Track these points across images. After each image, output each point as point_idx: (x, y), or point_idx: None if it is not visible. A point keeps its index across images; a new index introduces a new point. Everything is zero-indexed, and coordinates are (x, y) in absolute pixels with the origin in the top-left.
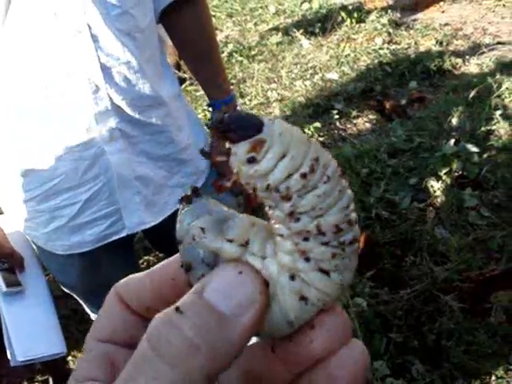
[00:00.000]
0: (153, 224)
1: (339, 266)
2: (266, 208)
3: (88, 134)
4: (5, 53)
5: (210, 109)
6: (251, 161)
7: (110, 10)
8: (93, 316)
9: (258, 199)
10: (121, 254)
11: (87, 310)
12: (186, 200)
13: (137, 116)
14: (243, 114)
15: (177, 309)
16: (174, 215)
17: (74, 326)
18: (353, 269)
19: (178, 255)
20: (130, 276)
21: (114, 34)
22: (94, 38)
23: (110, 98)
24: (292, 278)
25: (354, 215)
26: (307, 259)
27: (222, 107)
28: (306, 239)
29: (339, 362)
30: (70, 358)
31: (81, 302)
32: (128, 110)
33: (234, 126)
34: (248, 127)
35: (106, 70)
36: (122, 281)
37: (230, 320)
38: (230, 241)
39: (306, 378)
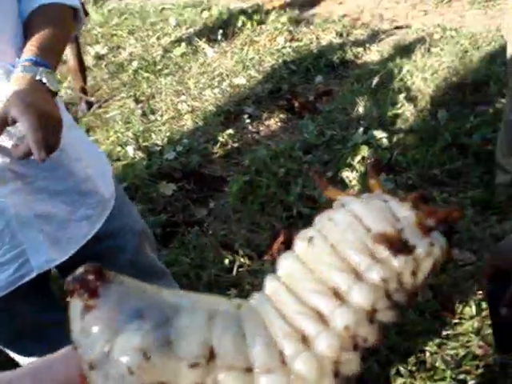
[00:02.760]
0: (62, 260)
1: None
2: None
3: None
4: None
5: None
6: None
7: None
8: (20, 360)
9: None
10: (37, 296)
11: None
12: (88, 294)
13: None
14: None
15: None
16: (84, 249)
17: None
18: None
19: (65, 353)
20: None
21: None
22: None
23: None
24: (336, 376)
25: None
26: (336, 375)
27: None
28: (355, 349)
29: None
30: None
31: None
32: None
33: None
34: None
35: None
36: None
37: None
38: (192, 365)
39: None
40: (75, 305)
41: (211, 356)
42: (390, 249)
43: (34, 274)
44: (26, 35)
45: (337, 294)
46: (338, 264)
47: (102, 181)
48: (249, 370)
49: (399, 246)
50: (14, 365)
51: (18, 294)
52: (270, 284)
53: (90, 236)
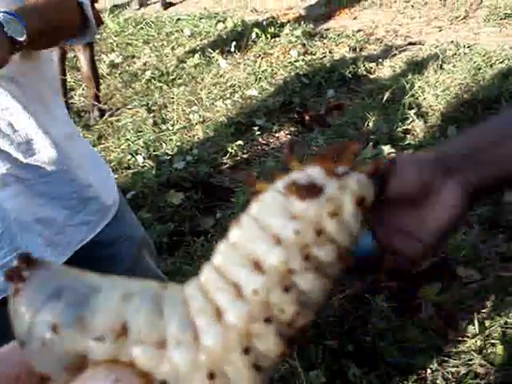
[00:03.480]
0: (59, 264)
1: (274, 365)
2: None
3: None
4: None
5: None
6: (360, 203)
7: None
8: None
9: None
10: None
11: None
12: (16, 278)
13: (27, 160)
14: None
15: None
16: (82, 253)
17: None
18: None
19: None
20: None
21: None
22: None
23: None
24: (211, 376)
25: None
26: (247, 351)
27: None
28: (267, 321)
29: None
30: None
31: None
32: (17, 155)
33: None
34: None
35: None
36: None
37: None
38: (99, 337)
39: None
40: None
41: (123, 331)
42: (297, 196)
43: None
44: None
45: (256, 264)
46: (258, 234)
47: (103, 188)
48: (162, 344)
49: (305, 190)
50: None
51: None
52: (205, 268)
53: (87, 240)
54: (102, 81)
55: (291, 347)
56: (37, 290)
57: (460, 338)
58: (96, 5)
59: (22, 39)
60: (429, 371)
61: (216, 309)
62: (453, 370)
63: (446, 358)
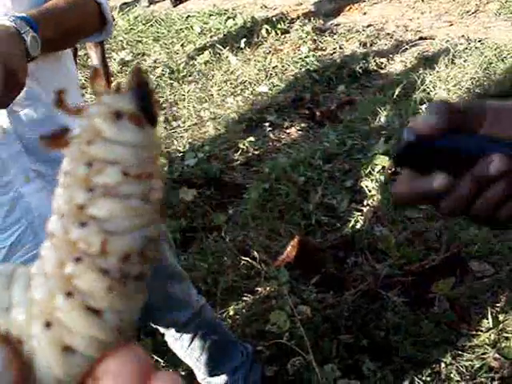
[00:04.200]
0: None
1: (115, 305)
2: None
3: (2, 179)
4: None
5: None
6: (117, 117)
7: None
8: None
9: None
10: None
11: None
12: None
13: (49, 155)
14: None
15: None
16: None
17: None
18: (135, 310)
19: None
20: None
21: None
22: None
23: (21, 140)
24: (47, 325)
25: (151, 253)
26: (69, 294)
27: None
28: (78, 260)
29: None
30: None
31: None
32: (40, 151)
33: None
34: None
35: (12, 114)
36: None
37: None
38: None
39: None
40: None
41: None
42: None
43: None
44: None
45: (54, 211)
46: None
47: None
48: (9, 309)
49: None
50: None
51: None
52: None
53: None
54: (112, 79)
55: (125, 278)
56: None
57: (474, 332)
58: None
59: (35, 54)
60: (443, 365)
61: (42, 266)
62: (467, 363)
63: (459, 352)
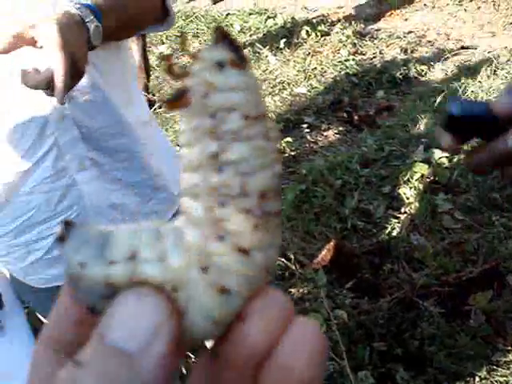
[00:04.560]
0: None
1: (262, 243)
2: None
3: (57, 164)
4: None
5: None
6: (220, 67)
7: None
8: None
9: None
10: None
11: None
12: (61, 239)
13: (105, 144)
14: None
15: (77, 362)
16: None
17: None
18: (277, 247)
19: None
20: None
21: None
22: None
23: (78, 127)
24: (204, 269)
25: (280, 188)
26: (221, 238)
27: None
28: (223, 204)
29: (288, 349)
30: None
31: None
32: (96, 138)
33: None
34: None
35: (70, 100)
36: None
37: (138, 358)
38: (114, 262)
39: (264, 379)
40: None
41: (132, 254)
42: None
43: None
44: None
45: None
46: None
47: (172, 177)
48: (163, 258)
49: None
50: None
51: None
52: None
53: None
54: (151, 72)
55: (266, 215)
56: (75, 242)
57: (510, 348)
58: None
59: (96, 43)
60: (477, 379)
61: (189, 216)
62: (501, 379)
63: (494, 367)
